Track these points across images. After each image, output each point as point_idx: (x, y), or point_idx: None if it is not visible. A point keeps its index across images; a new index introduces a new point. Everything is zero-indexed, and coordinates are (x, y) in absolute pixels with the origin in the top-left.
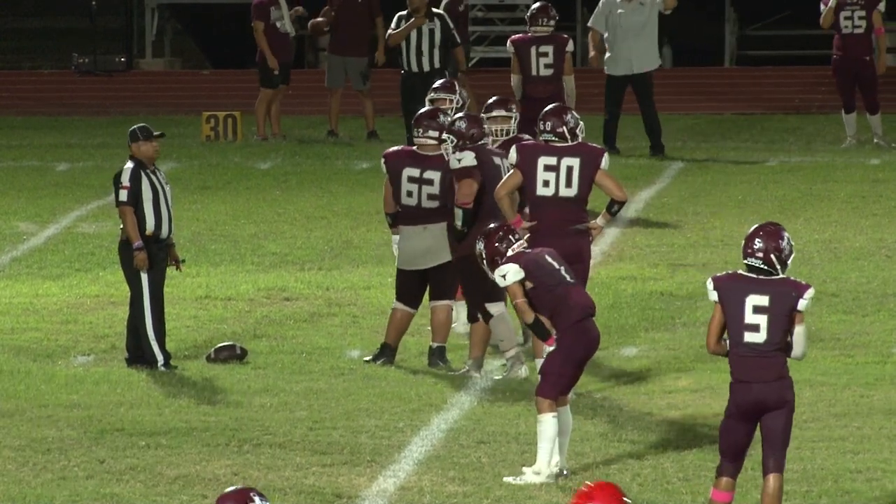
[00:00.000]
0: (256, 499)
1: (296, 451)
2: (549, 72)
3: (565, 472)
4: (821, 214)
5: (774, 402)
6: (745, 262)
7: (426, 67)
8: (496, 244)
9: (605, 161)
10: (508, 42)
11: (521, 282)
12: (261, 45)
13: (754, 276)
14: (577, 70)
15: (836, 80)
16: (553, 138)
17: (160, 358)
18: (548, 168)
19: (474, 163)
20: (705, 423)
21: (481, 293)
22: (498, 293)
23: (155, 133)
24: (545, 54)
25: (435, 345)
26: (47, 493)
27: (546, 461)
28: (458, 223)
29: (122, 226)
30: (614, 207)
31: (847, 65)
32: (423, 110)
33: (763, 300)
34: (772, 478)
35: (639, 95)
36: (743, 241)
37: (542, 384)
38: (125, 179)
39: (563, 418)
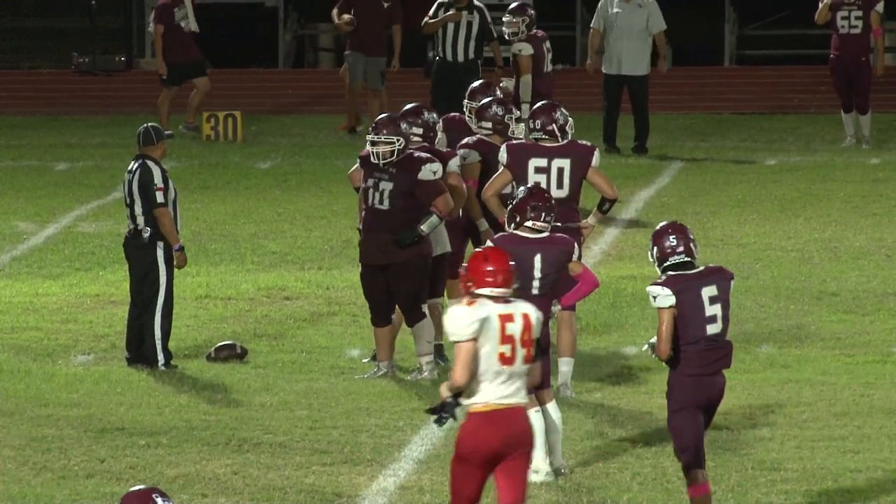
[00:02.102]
0: (159, 500)
1: (296, 450)
2: (550, 67)
3: (564, 471)
4: (820, 214)
5: (719, 396)
6: (667, 263)
7: (461, 57)
8: (528, 206)
9: (596, 158)
10: (523, 43)
11: None
12: (156, 47)
13: (690, 271)
14: (579, 70)
15: (833, 79)
16: (543, 136)
17: (161, 357)
18: (538, 170)
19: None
20: None
21: (414, 298)
22: (425, 297)
23: (165, 133)
24: (550, 50)
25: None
26: (47, 493)
27: (541, 457)
28: (425, 229)
29: (136, 225)
30: (605, 205)
31: (843, 65)
32: (408, 106)
33: (713, 290)
34: (702, 474)
35: (633, 100)
36: (653, 249)
37: None
38: (159, 181)
39: (549, 415)
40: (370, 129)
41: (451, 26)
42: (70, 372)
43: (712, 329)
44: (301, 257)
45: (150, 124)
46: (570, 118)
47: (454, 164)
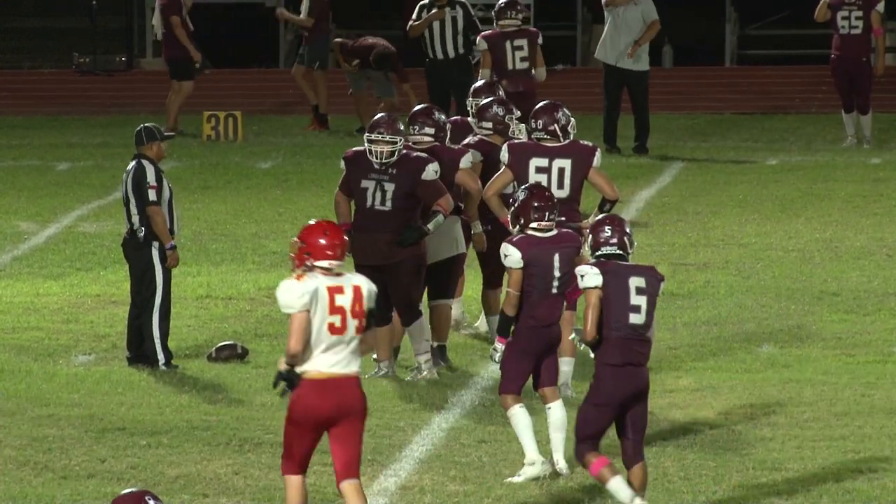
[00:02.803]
0: (151, 502)
1: None
2: (525, 65)
3: (565, 471)
4: (821, 214)
5: (645, 386)
6: (599, 252)
7: (451, 54)
8: (532, 206)
9: (598, 159)
10: (479, 38)
11: (522, 270)
12: (181, 38)
13: (619, 261)
14: (579, 70)
15: (833, 79)
16: (545, 136)
17: (161, 357)
18: (539, 170)
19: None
20: (706, 423)
21: (409, 297)
22: (420, 297)
23: (166, 133)
24: (520, 48)
25: (435, 344)
26: (48, 493)
27: (533, 449)
28: (432, 228)
29: (132, 224)
30: (606, 206)
31: (843, 65)
32: (418, 108)
33: (641, 282)
34: (639, 468)
35: (633, 99)
36: (589, 238)
37: (502, 381)
38: (152, 180)
39: (554, 414)
40: (368, 128)
41: (436, 25)
42: (71, 372)
43: (635, 318)
44: None
45: (145, 124)
46: (572, 118)
47: (466, 161)
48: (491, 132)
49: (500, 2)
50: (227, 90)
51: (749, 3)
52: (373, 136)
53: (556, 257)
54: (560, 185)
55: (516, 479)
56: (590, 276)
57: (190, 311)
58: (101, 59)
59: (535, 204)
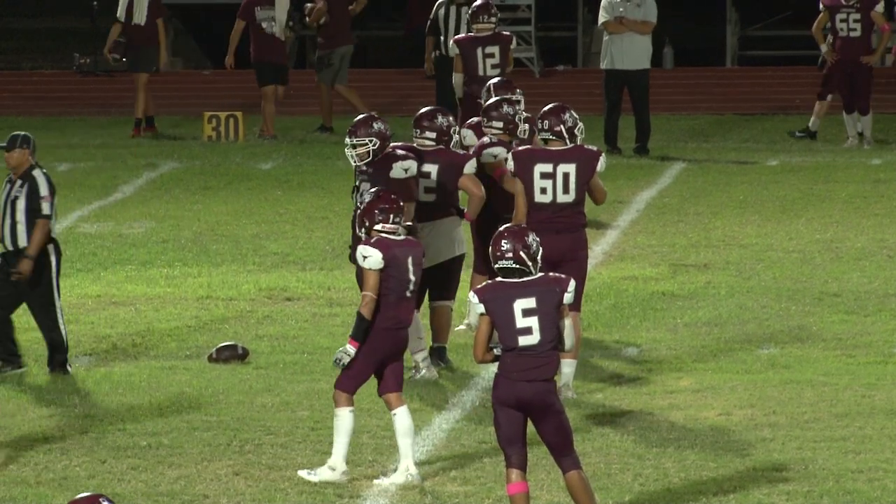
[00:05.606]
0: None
1: (297, 450)
2: (496, 72)
3: (417, 479)
4: (822, 214)
5: (539, 404)
6: (497, 266)
7: None
8: (378, 209)
9: (601, 164)
10: (452, 42)
11: (379, 273)
12: (231, 40)
13: (515, 280)
14: (580, 70)
15: (834, 81)
16: (551, 137)
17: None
18: (544, 176)
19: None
20: (706, 423)
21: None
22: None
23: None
24: (492, 55)
25: (435, 345)
26: (48, 494)
27: (342, 455)
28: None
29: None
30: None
31: (843, 66)
32: (423, 110)
33: (530, 302)
34: (569, 476)
35: (633, 97)
36: (491, 248)
37: (341, 377)
38: None
39: (401, 420)
40: (349, 131)
41: (453, 22)
42: (71, 372)
43: (526, 341)
44: (302, 258)
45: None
46: (579, 121)
47: (471, 166)
48: (501, 131)
49: (473, 5)
50: (228, 90)
51: (750, 4)
52: (346, 140)
53: (410, 260)
54: (566, 191)
55: (309, 476)
56: (473, 305)
57: (190, 311)
58: (101, 60)
59: (380, 206)
